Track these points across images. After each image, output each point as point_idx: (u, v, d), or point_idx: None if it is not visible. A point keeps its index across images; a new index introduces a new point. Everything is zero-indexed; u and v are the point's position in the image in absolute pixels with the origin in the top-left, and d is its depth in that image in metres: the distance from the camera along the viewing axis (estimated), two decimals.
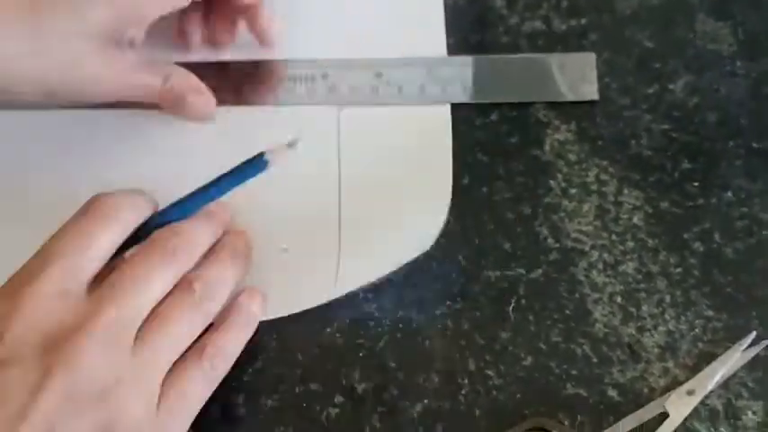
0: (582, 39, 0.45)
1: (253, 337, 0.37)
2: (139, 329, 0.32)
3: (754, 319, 0.37)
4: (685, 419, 0.35)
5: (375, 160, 0.41)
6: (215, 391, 0.35)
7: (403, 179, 0.41)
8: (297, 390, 0.37)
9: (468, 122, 0.42)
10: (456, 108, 0.43)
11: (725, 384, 0.36)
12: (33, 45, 0.35)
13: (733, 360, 0.35)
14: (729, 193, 0.40)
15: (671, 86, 0.43)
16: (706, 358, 0.36)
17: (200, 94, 0.41)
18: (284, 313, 0.38)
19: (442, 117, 0.42)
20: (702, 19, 0.45)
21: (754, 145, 0.41)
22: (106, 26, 0.37)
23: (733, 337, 0.37)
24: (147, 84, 0.39)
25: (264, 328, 0.38)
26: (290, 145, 0.36)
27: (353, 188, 0.40)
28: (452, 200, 0.40)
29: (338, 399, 0.36)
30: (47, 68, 0.36)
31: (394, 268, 0.39)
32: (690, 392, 0.35)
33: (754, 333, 0.36)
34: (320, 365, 0.37)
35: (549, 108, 0.43)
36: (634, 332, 0.37)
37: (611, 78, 0.44)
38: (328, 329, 0.38)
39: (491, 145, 0.42)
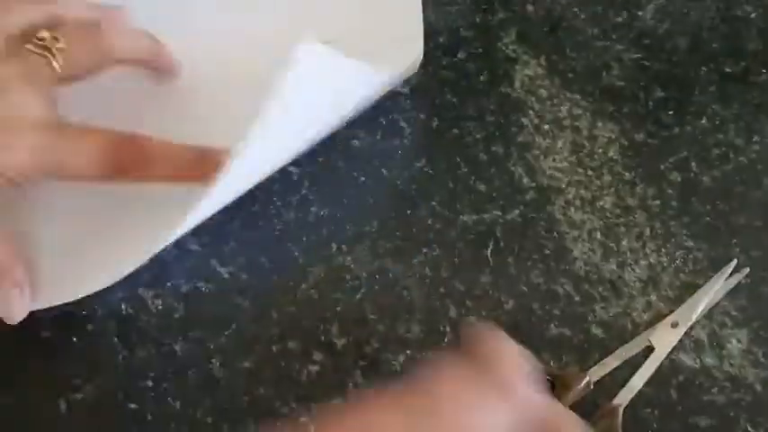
0: None
1: (224, 301, 0.35)
2: None
3: (734, 247, 0.37)
4: (671, 352, 0.34)
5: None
6: (190, 356, 0.33)
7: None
8: (274, 349, 0.36)
9: (435, 62, 0.41)
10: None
11: (708, 314, 0.35)
12: None
13: (715, 289, 0.35)
14: (704, 120, 0.39)
15: (640, 13, 0.42)
16: (688, 289, 0.36)
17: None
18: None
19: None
20: None
21: (727, 69, 0.41)
22: None
23: (714, 267, 0.36)
24: None
25: (237, 289, 0.36)
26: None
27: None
28: (423, 143, 0.39)
29: (317, 356, 0.35)
30: None
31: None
32: (674, 325, 0.35)
33: (735, 261, 0.35)
34: (297, 323, 0.36)
35: (518, 43, 0.41)
36: (615, 268, 0.37)
37: (579, 8, 0.42)
38: (303, 285, 0.37)
39: (460, 85, 0.41)
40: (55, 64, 0.34)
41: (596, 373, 0.33)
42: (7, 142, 0.32)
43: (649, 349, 0.34)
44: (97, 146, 0.33)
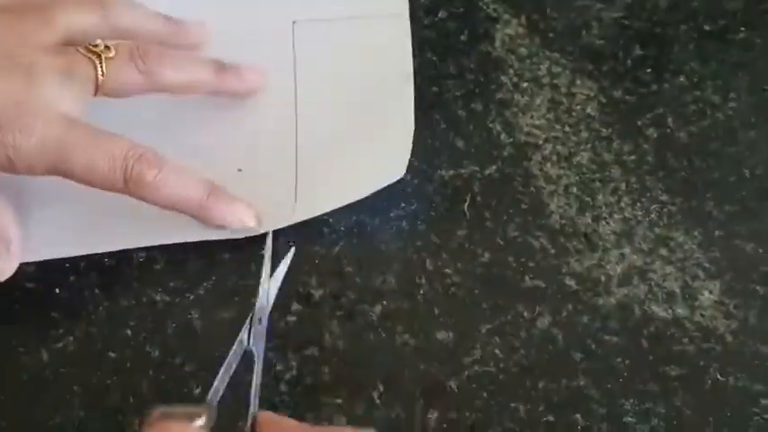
0: None
1: (205, 253, 0.36)
2: None
3: (708, 201, 0.37)
4: (642, 302, 0.35)
5: (332, 79, 0.39)
6: (170, 307, 0.34)
7: (363, 101, 0.39)
8: (252, 300, 0.36)
9: (417, 21, 0.41)
10: None
11: (681, 266, 0.36)
12: None
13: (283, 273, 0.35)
14: (682, 78, 0.40)
15: None
16: (663, 242, 0.36)
17: None
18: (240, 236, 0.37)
19: (401, 28, 0.39)
20: None
21: (706, 27, 0.41)
22: None
23: (689, 221, 0.36)
24: None
25: (216, 243, 0.37)
26: None
27: (310, 109, 0.39)
28: None
29: (295, 306, 0.36)
30: None
31: (359, 197, 0.36)
32: (259, 321, 0.33)
33: (293, 249, 0.35)
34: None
35: (499, 2, 0.42)
36: (590, 221, 0.37)
37: None
38: (282, 238, 0.37)
39: (440, 43, 0.41)
40: (99, 71, 0.34)
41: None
42: (26, 124, 0.32)
43: (250, 354, 0.32)
44: (109, 156, 0.33)
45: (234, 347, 0.31)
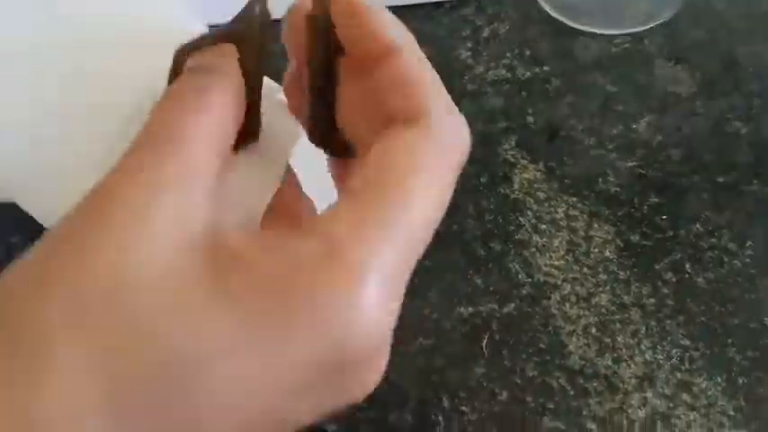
0: (546, 84, 0.46)
1: None
2: None
3: (731, 347, 0.36)
4: None
5: None
6: None
7: None
8: None
9: None
10: None
11: (706, 414, 0.35)
12: None
13: None
14: (698, 225, 0.40)
15: (634, 126, 0.44)
16: (686, 388, 0.35)
17: None
18: None
19: None
20: (661, 64, 0.47)
21: (719, 179, 0.42)
22: None
23: (712, 366, 0.36)
24: None
25: None
26: None
27: None
28: None
29: None
30: None
31: None
32: None
33: None
34: None
35: (518, 149, 0.43)
36: (611, 363, 0.36)
37: (576, 120, 0.44)
38: None
39: (461, 185, 0.42)
40: None
41: None
42: None
43: None
44: None
45: None
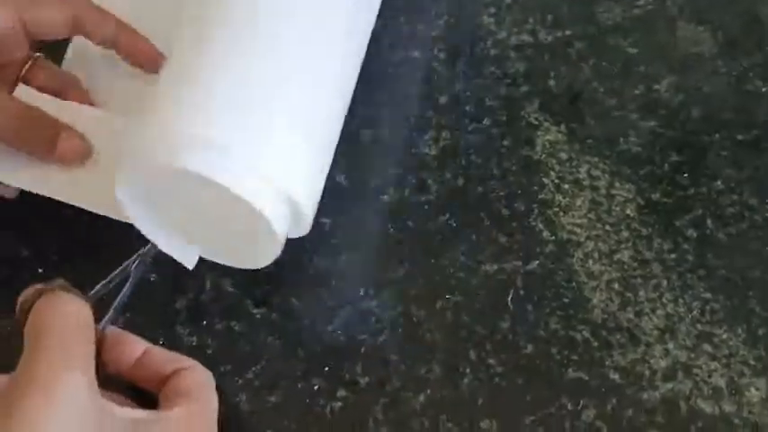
0: (568, 48, 0.47)
1: (256, 338, 0.38)
2: None
3: (751, 299, 0.37)
4: (688, 397, 0.35)
5: None
6: (219, 391, 0.35)
7: None
8: (299, 385, 0.37)
9: (463, 128, 0.44)
10: (445, 115, 0.44)
11: (726, 363, 0.36)
12: None
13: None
14: (719, 182, 0.41)
15: (656, 86, 0.45)
16: (706, 339, 0.36)
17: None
18: None
19: None
20: (682, 25, 0.47)
21: (739, 137, 0.42)
22: None
23: (733, 318, 0.37)
24: None
25: (267, 329, 0.38)
26: None
27: None
28: (449, 199, 0.41)
29: (341, 392, 0.37)
30: None
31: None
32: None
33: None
34: (322, 361, 0.37)
35: (540, 112, 0.44)
36: (632, 317, 0.37)
37: (597, 82, 0.45)
38: (329, 327, 0.38)
39: (485, 147, 0.43)
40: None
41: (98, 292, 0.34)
42: None
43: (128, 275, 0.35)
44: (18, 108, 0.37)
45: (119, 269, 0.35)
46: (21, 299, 0.31)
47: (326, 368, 0.37)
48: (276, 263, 0.40)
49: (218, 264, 0.40)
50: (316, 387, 0.37)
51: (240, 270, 0.40)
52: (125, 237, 0.41)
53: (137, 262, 0.36)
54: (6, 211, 0.42)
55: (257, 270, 0.40)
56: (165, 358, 0.33)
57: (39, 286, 0.31)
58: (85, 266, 0.40)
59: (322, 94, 0.35)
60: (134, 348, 0.33)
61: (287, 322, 0.39)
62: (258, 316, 0.39)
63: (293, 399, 0.37)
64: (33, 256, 0.41)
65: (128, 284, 0.35)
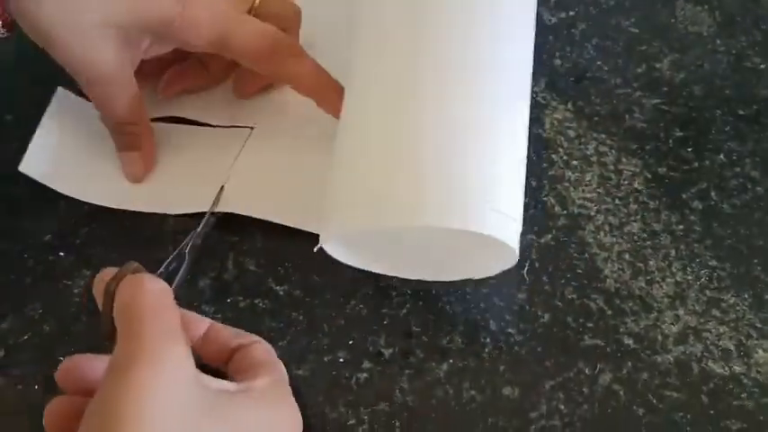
0: (572, 28, 0.48)
1: (280, 314, 0.39)
2: None
3: (756, 266, 0.39)
4: (699, 359, 0.37)
5: None
6: None
7: None
8: (325, 359, 0.38)
9: None
10: None
11: (735, 326, 0.38)
12: None
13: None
14: (722, 156, 0.43)
15: (658, 65, 0.46)
16: (715, 304, 0.38)
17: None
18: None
19: None
20: (681, 5, 0.49)
21: (741, 112, 0.44)
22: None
23: (739, 283, 0.39)
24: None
25: (292, 305, 0.39)
26: None
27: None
28: None
29: (366, 364, 0.38)
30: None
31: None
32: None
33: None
34: (347, 335, 0.39)
35: (548, 91, 0.46)
36: (644, 285, 0.39)
37: (602, 62, 0.47)
38: (353, 301, 0.40)
39: None
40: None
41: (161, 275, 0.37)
42: (206, 2, 0.40)
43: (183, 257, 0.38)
44: (260, 27, 0.41)
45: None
46: (101, 285, 0.32)
47: (351, 341, 0.38)
48: (297, 242, 0.41)
49: (239, 244, 0.42)
50: (341, 360, 0.38)
51: (262, 250, 0.41)
52: (149, 222, 0.42)
53: (190, 244, 0.38)
54: (33, 194, 0.43)
55: (279, 250, 0.41)
56: (229, 333, 0.35)
57: (115, 270, 0.32)
58: (109, 254, 0.42)
59: (525, 114, 0.39)
60: (199, 325, 0.35)
61: (310, 298, 0.40)
62: (281, 293, 0.40)
63: (320, 372, 0.38)
64: (56, 240, 0.42)
65: (183, 266, 0.37)
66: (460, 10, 0.37)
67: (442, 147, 0.34)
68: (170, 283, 0.33)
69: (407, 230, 0.36)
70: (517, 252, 0.35)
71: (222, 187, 0.42)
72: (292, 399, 0.33)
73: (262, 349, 0.34)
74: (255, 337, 0.35)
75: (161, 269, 0.36)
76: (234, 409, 0.30)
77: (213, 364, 0.34)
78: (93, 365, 0.33)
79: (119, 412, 0.27)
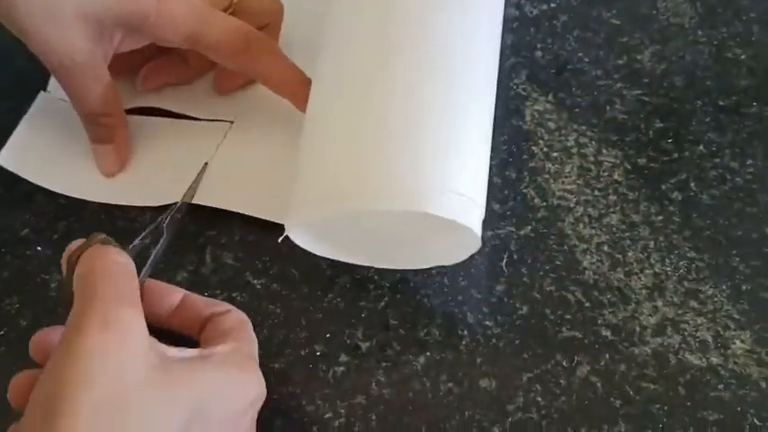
0: (553, 20, 0.48)
1: (258, 307, 0.39)
2: None
3: (734, 257, 0.39)
4: (677, 351, 0.36)
5: None
6: None
7: None
8: (302, 352, 0.38)
9: None
10: None
11: (712, 317, 0.37)
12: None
13: None
14: (701, 147, 0.43)
15: (639, 56, 0.46)
16: (693, 295, 0.38)
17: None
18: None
19: None
20: None
21: (721, 103, 0.44)
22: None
23: (718, 275, 0.38)
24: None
25: (269, 298, 0.39)
26: None
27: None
28: None
29: (343, 357, 0.38)
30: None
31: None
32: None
33: None
34: (324, 328, 0.38)
35: (528, 83, 0.45)
36: (622, 276, 0.39)
37: (582, 53, 0.46)
38: (330, 295, 0.39)
39: None
40: None
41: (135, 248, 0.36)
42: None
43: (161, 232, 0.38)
44: (235, 24, 0.41)
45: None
46: (66, 254, 0.33)
47: (328, 335, 0.38)
48: (274, 236, 0.41)
49: (216, 237, 0.41)
50: (318, 353, 0.38)
51: (240, 244, 0.41)
52: (126, 215, 0.42)
53: (168, 218, 0.38)
54: (9, 189, 0.43)
55: (256, 244, 0.41)
56: (203, 303, 0.36)
57: (82, 241, 0.32)
58: None
59: (490, 102, 0.38)
60: (173, 296, 0.35)
61: (287, 291, 0.40)
62: (258, 286, 0.40)
63: (297, 365, 0.38)
64: (33, 234, 0.42)
65: (161, 240, 0.37)
66: (428, 6, 0.37)
67: (402, 132, 0.34)
68: (146, 258, 0.34)
69: (369, 217, 0.36)
70: (479, 235, 0.34)
71: (206, 164, 0.42)
72: (256, 367, 0.34)
73: (233, 318, 0.35)
74: (229, 306, 0.36)
75: (135, 241, 0.36)
76: (190, 374, 0.30)
77: (187, 333, 0.35)
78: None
79: (65, 378, 0.28)
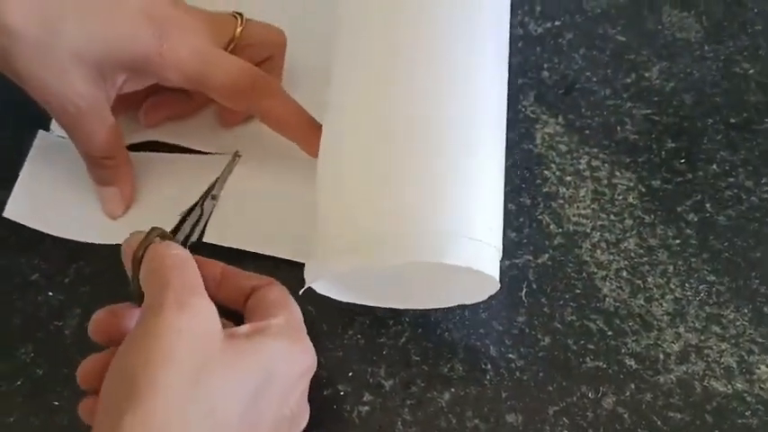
0: (558, 38, 0.48)
1: None
2: None
3: (754, 279, 0.39)
4: (702, 378, 0.36)
5: None
6: None
7: None
8: (325, 393, 0.38)
9: None
10: None
11: (736, 343, 0.37)
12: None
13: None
14: (714, 166, 0.42)
15: (647, 74, 0.46)
16: (714, 320, 0.38)
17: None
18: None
19: None
20: (668, 11, 0.48)
21: (732, 120, 0.44)
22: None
23: (738, 298, 0.38)
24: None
25: None
26: None
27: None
28: None
29: (367, 397, 0.37)
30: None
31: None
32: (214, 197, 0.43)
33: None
34: (346, 366, 0.38)
35: (537, 104, 0.45)
36: (643, 303, 0.39)
37: (590, 72, 0.46)
38: (350, 332, 0.39)
39: None
40: (239, 29, 0.42)
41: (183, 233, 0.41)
42: (186, 39, 0.39)
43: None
44: (239, 65, 0.40)
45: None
46: (126, 248, 0.35)
47: (350, 373, 0.38)
48: (289, 269, 0.40)
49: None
50: (341, 393, 0.38)
51: None
52: None
53: (206, 199, 0.42)
54: (17, 234, 0.42)
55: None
56: (244, 276, 0.37)
57: (140, 235, 0.35)
58: (95, 292, 0.41)
59: (503, 135, 0.38)
60: (213, 269, 0.36)
61: (306, 330, 0.39)
62: None
63: (321, 406, 0.37)
64: (44, 279, 0.41)
65: (201, 220, 0.41)
66: (439, 41, 0.36)
67: (421, 178, 0.34)
68: (188, 238, 0.40)
69: (390, 267, 0.36)
70: (497, 279, 0.34)
71: (236, 153, 0.44)
72: (307, 337, 0.35)
73: (277, 290, 0.36)
74: (268, 279, 0.37)
75: (177, 223, 0.41)
76: (255, 346, 0.32)
77: (232, 306, 0.36)
78: (126, 314, 0.35)
79: (146, 355, 0.29)
